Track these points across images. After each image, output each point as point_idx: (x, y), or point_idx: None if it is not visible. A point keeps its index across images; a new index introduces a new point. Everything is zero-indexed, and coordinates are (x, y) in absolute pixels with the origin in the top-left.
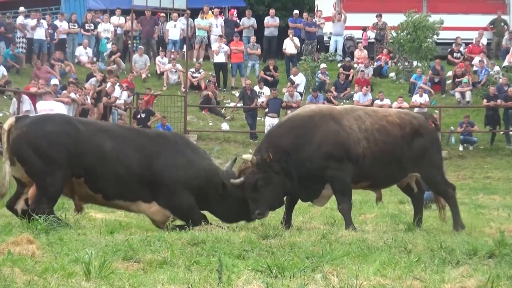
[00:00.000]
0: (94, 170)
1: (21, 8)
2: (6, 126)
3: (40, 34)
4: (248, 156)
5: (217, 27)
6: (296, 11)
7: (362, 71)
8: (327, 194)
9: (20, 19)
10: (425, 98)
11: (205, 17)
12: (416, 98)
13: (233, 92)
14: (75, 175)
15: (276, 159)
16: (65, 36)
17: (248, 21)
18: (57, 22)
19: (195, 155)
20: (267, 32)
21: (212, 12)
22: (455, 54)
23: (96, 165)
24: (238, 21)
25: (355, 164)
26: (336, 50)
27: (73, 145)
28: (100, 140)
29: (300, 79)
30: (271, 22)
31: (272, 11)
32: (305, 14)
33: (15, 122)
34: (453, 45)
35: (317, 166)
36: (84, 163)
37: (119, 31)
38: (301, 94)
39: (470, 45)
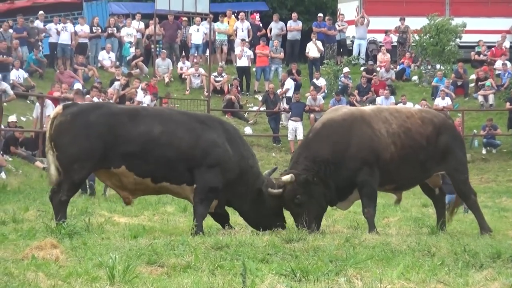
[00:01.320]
0: (140, 156)
1: (40, 12)
2: (53, 114)
3: (63, 38)
4: (287, 178)
5: (242, 31)
6: (320, 15)
7: (381, 76)
8: (353, 198)
9: (36, 23)
10: (448, 101)
11: (227, 21)
12: (439, 102)
13: (256, 96)
14: (114, 166)
15: (317, 170)
16: (86, 41)
17: (276, 25)
18: (77, 27)
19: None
20: (290, 36)
21: (236, 17)
22: (481, 56)
23: (142, 151)
24: (261, 25)
25: (382, 169)
26: (359, 54)
27: (112, 137)
28: (147, 127)
29: (322, 82)
30: (294, 25)
31: (294, 15)
32: (320, 16)
33: (62, 110)
34: (476, 48)
35: (352, 171)
36: (126, 152)
37: (139, 35)
38: (323, 97)
39: (493, 49)
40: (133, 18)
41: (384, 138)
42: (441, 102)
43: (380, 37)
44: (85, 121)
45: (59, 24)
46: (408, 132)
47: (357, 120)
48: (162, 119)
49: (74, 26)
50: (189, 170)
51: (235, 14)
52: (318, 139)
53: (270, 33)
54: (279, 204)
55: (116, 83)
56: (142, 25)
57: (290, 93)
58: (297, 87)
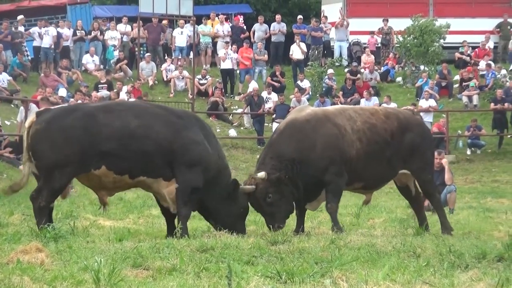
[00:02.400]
0: (118, 153)
1: (20, 16)
2: (27, 123)
3: (46, 42)
4: (262, 175)
5: (223, 33)
6: (300, 17)
7: (365, 78)
8: (322, 198)
9: (18, 27)
10: (432, 102)
11: (211, 24)
12: (423, 103)
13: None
14: (94, 168)
15: (284, 169)
16: (69, 44)
17: (260, 27)
18: (61, 30)
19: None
20: (274, 38)
21: (218, 18)
22: (464, 57)
23: (119, 147)
24: (245, 27)
25: (348, 167)
26: (341, 55)
27: (90, 138)
28: (123, 122)
29: (307, 84)
30: (278, 28)
31: (278, 17)
32: (300, 18)
33: (36, 117)
34: (460, 48)
35: (319, 170)
36: (104, 151)
37: (125, 38)
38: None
39: (476, 49)
40: (118, 21)
41: (349, 135)
42: (426, 103)
43: (364, 39)
44: (60, 126)
45: (43, 28)
46: (373, 128)
47: (321, 119)
48: (138, 112)
49: (57, 29)
50: (168, 164)
51: (218, 17)
52: (281, 139)
53: (254, 36)
54: (247, 205)
55: (104, 93)
56: (128, 28)
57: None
58: (281, 89)
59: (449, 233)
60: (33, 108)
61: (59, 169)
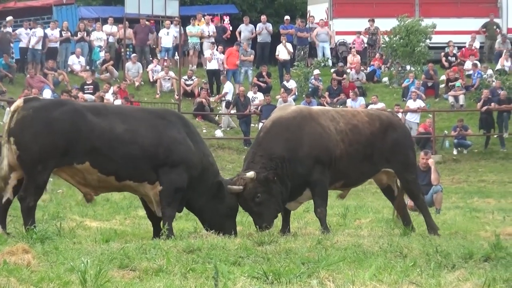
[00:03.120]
0: (103, 153)
1: (9, 18)
2: (13, 107)
3: (33, 43)
4: (251, 174)
5: (208, 33)
6: (287, 17)
7: (352, 78)
8: (302, 199)
9: (6, 28)
10: (420, 103)
11: (197, 24)
12: (410, 103)
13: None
14: (77, 162)
15: (274, 167)
16: (56, 45)
17: (246, 28)
18: (48, 31)
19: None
20: (260, 38)
21: (204, 19)
22: (449, 58)
23: (106, 148)
24: (231, 28)
25: (332, 167)
26: (324, 56)
27: (75, 134)
28: (110, 124)
29: (293, 85)
30: (263, 27)
31: (263, 17)
32: (298, 20)
33: (23, 103)
34: (446, 49)
35: (306, 169)
36: (90, 148)
37: (111, 39)
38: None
39: (463, 49)
40: (104, 22)
41: (334, 135)
42: (413, 104)
43: (350, 39)
44: (48, 117)
45: (29, 29)
46: (355, 129)
47: (306, 118)
48: (124, 117)
49: (44, 30)
50: (153, 168)
51: (204, 17)
52: (269, 137)
53: (240, 36)
54: (235, 205)
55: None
56: (114, 28)
57: (229, 97)
58: (267, 90)
59: (436, 233)
60: None
61: (42, 163)
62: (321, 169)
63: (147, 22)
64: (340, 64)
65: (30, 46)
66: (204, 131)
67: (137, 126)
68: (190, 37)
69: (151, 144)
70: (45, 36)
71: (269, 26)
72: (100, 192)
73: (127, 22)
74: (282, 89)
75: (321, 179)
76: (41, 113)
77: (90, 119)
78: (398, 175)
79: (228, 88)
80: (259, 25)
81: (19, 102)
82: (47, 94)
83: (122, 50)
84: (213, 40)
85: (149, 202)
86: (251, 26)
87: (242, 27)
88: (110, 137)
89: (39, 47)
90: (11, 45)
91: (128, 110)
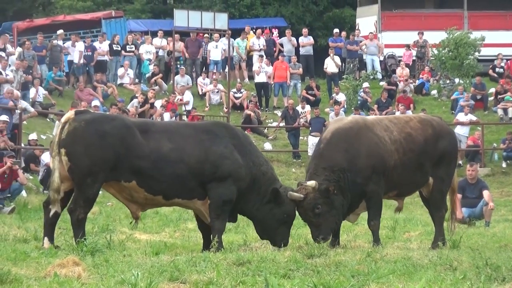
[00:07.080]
0: (150, 173)
1: (59, 31)
2: (63, 119)
3: (81, 56)
4: (312, 183)
5: (259, 47)
6: (336, 30)
7: (405, 91)
8: (359, 210)
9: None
10: (471, 116)
11: (246, 38)
12: (461, 117)
13: (275, 111)
14: (124, 180)
15: (337, 179)
16: (105, 58)
17: (288, 41)
18: (96, 44)
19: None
20: (303, 51)
21: (254, 32)
22: (497, 69)
23: (152, 168)
24: (279, 40)
25: (386, 176)
26: (373, 68)
27: (124, 150)
28: (157, 143)
29: (342, 97)
30: (306, 41)
31: (305, 30)
32: (343, 33)
33: (75, 115)
34: (495, 61)
35: (363, 180)
36: (137, 169)
37: (160, 52)
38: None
39: (508, 62)
40: (153, 35)
41: (389, 145)
42: (465, 117)
43: (398, 52)
44: (100, 130)
45: (79, 42)
46: (408, 137)
47: (362, 128)
48: (170, 134)
49: (92, 43)
50: (200, 185)
51: (254, 30)
52: (330, 148)
53: (283, 48)
54: (292, 212)
55: (135, 101)
56: (164, 42)
57: (189, 107)
58: (316, 103)
59: (437, 247)
60: None
61: (92, 176)
62: (377, 179)
63: (206, 35)
64: (394, 75)
65: (79, 60)
66: None
67: (183, 143)
68: (238, 50)
69: (197, 161)
70: (93, 49)
71: (311, 39)
72: (147, 208)
73: (177, 36)
74: (331, 101)
75: (377, 190)
76: (93, 126)
77: (138, 137)
78: (435, 184)
79: (188, 97)
80: (301, 38)
81: (70, 114)
82: (95, 103)
83: (172, 63)
84: (262, 53)
85: (202, 216)
86: (293, 39)
87: (284, 40)
88: (157, 157)
89: (89, 60)
90: (61, 58)
91: (174, 127)
